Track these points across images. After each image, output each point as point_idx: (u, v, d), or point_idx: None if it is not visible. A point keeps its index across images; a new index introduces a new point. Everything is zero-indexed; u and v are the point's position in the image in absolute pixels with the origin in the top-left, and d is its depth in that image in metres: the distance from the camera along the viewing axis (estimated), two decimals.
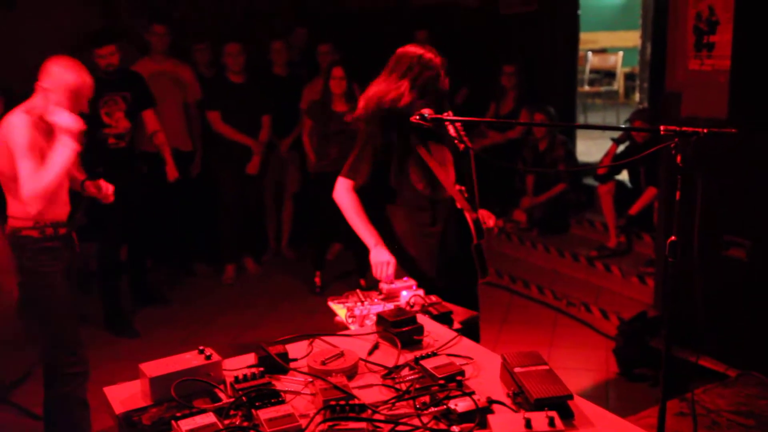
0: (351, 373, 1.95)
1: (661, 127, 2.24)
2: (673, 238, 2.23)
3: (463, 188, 3.05)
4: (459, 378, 1.83)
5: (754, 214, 3.81)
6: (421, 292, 2.69)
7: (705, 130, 2.18)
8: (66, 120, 2.99)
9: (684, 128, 2.20)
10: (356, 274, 5.85)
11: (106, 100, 4.95)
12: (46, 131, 3.04)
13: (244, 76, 5.87)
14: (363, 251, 5.94)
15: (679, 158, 2.19)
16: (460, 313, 2.66)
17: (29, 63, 6.06)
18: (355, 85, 5.47)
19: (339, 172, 5.65)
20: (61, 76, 3.06)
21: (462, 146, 3.04)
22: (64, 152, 2.98)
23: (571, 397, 1.70)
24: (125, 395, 1.90)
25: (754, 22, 4.02)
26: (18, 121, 2.97)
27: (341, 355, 1.99)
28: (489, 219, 3.09)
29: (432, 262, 3.02)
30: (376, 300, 2.70)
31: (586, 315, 5.18)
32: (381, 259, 2.90)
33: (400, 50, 2.99)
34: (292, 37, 6.82)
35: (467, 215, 2.99)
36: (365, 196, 3.03)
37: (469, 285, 3.13)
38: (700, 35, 4.45)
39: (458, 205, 2.98)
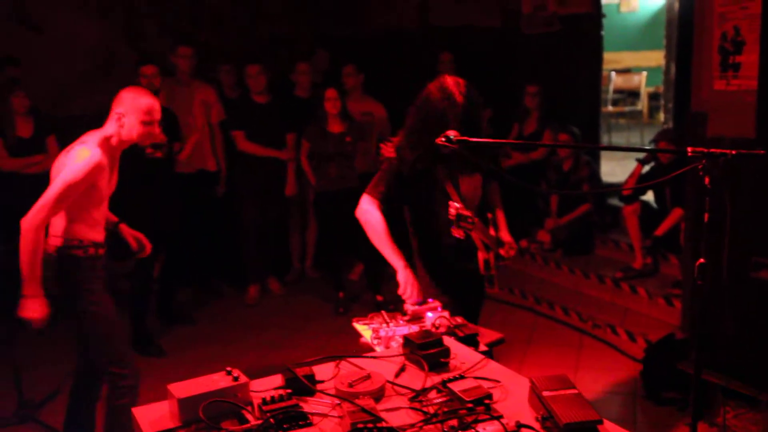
0: (378, 395, 1.94)
1: (689, 149, 2.22)
2: (702, 260, 2.21)
3: (489, 216, 3.07)
4: (487, 401, 1.82)
5: None
6: (446, 313, 2.69)
7: (733, 152, 2.16)
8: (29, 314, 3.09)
9: (711, 150, 2.19)
10: (371, 292, 5.87)
11: None
12: (112, 157, 3.24)
13: (267, 97, 5.94)
14: (373, 268, 5.99)
15: (707, 180, 2.17)
16: (486, 335, 2.65)
17: (57, 84, 6.24)
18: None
19: (340, 191, 5.75)
20: (135, 100, 3.23)
21: None
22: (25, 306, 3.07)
23: (600, 421, 1.69)
24: (154, 416, 1.91)
25: None
26: (86, 156, 3.08)
27: (368, 377, 1.99)
28: (511, 250, 3.09)
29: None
30: (401, 321, 2.70)
31: (613, 337, 5.12)
32: (408, 280, 2.92)
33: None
34: (313, 59, 6.89)
35: (479, 254, 3.01)
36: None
37: (474, 301, 3.19)
38: (725, 55, 4.43)
39: (477, 244, 2.99)
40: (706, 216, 2.21)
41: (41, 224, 3.03)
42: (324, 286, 6.40)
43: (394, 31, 7.85)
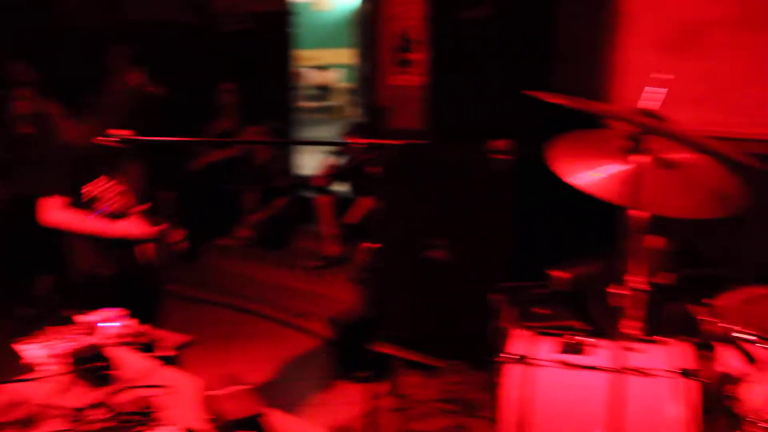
0: (30, 421, 1.76)
1: (350, 140, 2.34)
2: (368, 245, 2.34)
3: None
4: (151, 410, 1.74)
5: (449, 216, 4.08)
6: (121, 322, 2.53)
7: (401, 142, 2.32)
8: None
9: (373, 141, 2.32)
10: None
11: None
12: None
13: None
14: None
15: (378, 169, 2.31)
16: (170, 340, 2.55)
17: None
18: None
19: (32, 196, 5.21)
20: None
21: None
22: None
23: (260, 414, 1.71)
24: None
25: (443, 44, 4.37)
26: None
27: (17, 404, 1.79)
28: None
29: None
30: (69, 336, 2.47)
31: (312, 324, 5.25)
32: None
33: None
34: None
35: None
36: None
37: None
38: (399, 53, 4.78)
39: None
40: (378, 203, 2.35)
41: None
42: None
43: (86, 25, 7.28)
